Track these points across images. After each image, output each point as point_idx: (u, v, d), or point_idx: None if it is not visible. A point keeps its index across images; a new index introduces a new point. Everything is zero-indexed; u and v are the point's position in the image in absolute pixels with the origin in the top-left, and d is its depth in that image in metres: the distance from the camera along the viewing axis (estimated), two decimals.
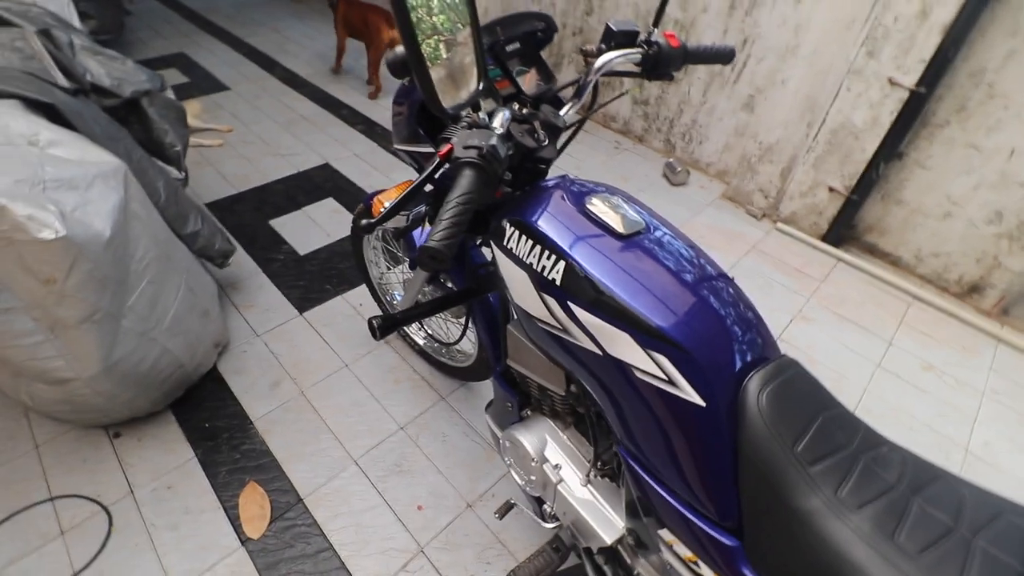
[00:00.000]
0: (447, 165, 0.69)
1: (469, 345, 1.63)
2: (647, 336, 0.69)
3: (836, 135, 2.29)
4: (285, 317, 1.98)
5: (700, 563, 0.73)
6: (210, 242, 1.78)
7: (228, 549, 1.36)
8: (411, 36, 0.55)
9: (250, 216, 2.43)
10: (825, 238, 2.52)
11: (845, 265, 2.47)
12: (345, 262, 2.23)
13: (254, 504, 1.45)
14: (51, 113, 1.22)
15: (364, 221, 0.70)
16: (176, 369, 1.52)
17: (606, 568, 1.00)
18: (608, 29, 0.91)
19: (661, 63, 0.93)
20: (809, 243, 2.55)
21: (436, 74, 0.59)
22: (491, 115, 0.74)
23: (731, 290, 0.77)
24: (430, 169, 0.68)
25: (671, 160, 2.96)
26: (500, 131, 0.70)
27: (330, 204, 2.55)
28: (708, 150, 2.95)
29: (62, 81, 1.32)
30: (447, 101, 0.60)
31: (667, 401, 0.70)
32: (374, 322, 0.97)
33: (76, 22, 1.65)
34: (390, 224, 1.14)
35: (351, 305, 2.05)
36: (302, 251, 2.27)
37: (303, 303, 2.04)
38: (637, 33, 0.92)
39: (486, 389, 1.78)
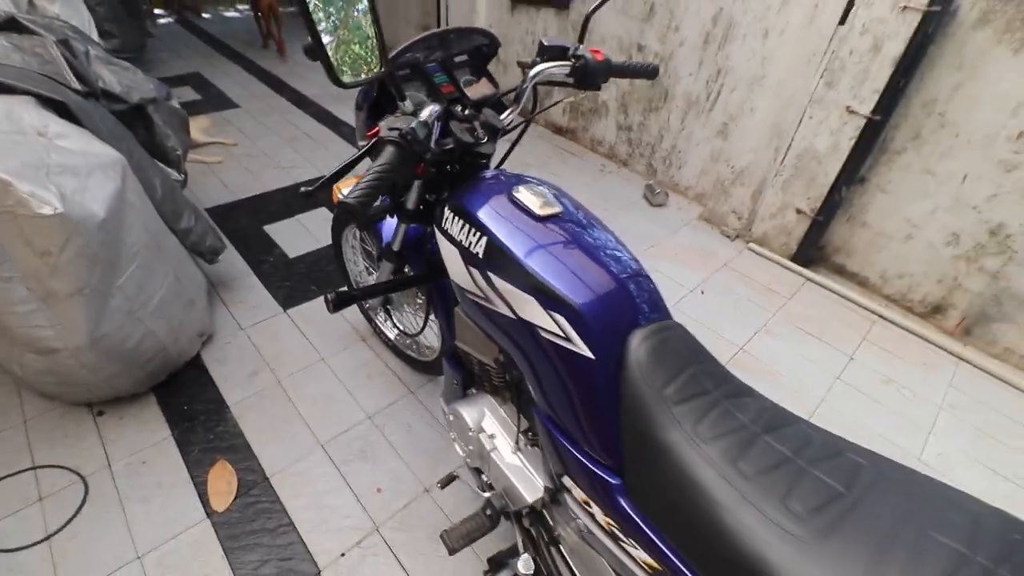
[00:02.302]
0: (374, 145, 0.81)
1: (434, 339, 1.72)
2: (548, 299, 0.80)
3: (801, 160, 2.42)
4: (269, 313, 2.09)
5: (591, 503, 0.81)
6: (202, 239, 1.91)
7: (193, 520, 1.44)
8: (312, 26, 0.68)
9: (246, 221, 2.58)
10: (795, 258, 2.62)
11: (813, 284, 2.56)
12: (331, 265, 2.35)
13: (222, 480, 1.53)
14: (62, 110, 1.37)
15: (304, 189, 0.82)
16: (159, 351, 1.63)
17: (531, 530, 1.07)
18: (541, 44, 1.05)
19: (588, 74, 1.06)
20: (779, 262, 2.64)
21: (343, 56, 0.73)
22: (420, 109, 0.87)
23: (632, 265, 0.87)
24: (366, 147, 0.81)
25: (651, 183, 3.09)
26: (423, 119, 0.82)
27: (322, 213, 2.70)
28: (687, 174, 3.09)
29: (74, 84, 1.48)
30: (348, 78, 0.73)
31: (563, 355, 0.79)
32: (328, 296, 1.08)
33: (95, 35, 1.83)
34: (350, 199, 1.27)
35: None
36: (292, 254, 2.40)
37: (288, 301, 2.15)
38: (567, 48, 1.05)
39: None
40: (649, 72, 1.15)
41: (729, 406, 0.73)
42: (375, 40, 0.74)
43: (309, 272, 2.31)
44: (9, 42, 1.42)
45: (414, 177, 1.00)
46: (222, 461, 1.58)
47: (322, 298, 2.17)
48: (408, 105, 0.88)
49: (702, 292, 2.41)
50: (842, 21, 2.11)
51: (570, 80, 1.08)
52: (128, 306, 1.46)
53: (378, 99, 1.07)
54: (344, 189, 1.28)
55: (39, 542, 1.36)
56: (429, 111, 0.85)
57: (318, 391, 1.81)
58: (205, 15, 5.47)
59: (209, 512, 1.45)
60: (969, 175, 2.08)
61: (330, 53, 0.70)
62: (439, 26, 4.20)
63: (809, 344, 2.23)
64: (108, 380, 1.54)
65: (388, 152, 0.75)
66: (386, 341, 1.93)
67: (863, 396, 2.02)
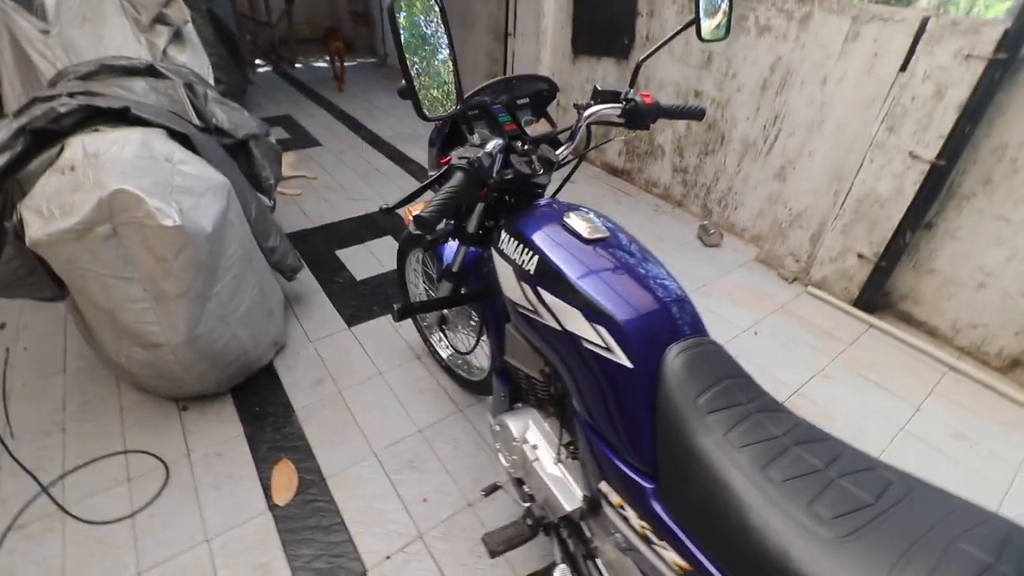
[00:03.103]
0: (445, 172, 0.94)
1: (484, 359, 1.81)
2: (591, 311, 0.87)
3: (862, 204, 2.38)
4: (335, 329, 2.27)
5: (626, 506, 0.85)
6: (284, 258, 2.13)
7: (257, 511, 1.56)
8: (406, 68, 0.82)
9: (320, 245, 2.82)
10: (856, 303, 2.54)
11: (877, 331, 2.46)
12: (393, 289, 2.52)
13: (284, 477, 1.66)
14: (185, 142, 1.62)
15: (383, 205, 0.95)
16: (241, 355, 1.81)
17: (569, 541, 1.11)
18: (595, 89, 1.16)
19: (638, 115, 1.16)
20: (840, 307, 2.57)
21: (427, 95, 0.86)
22: (485, 143, 1.00)
23: (675, 289, 0.94)
24: (439, 172, 0.94)
25: (705, 223, 3.11)
26: (488, 151, 0.95)
27: (388, 241, 2.91)
28: (743, 216, 3.09)
29: (195, 120, 1.74)
30: (429, 112, 0.87)
31: (604, 364, 0.86)
32: (396, 305, 1.20)
33: (211, 80, 2.14)
34: (414, 228, 1.40)
35: (392, 325, 2.31)
36: (359, 277, 2.60)
37: (352, 319, 2.32)
38: (619, 93, 1.16)
39: None
40: (696, 114, 1.23)
41: (761, 418, 0.76)
42: (453, 84, 0.88)
43: (373, 294, 2.49)
44: (148, 85, 1.71)
45: (477, 200, 1.11)
46: (286, 460, 1.71)
47: (384, 318, 2.33)
48: (476, 139, 1.01)
49: (755, 333, 2.38)
50: (903, 68, 2.12)
51: (621, 120, 1.18)
52: (221, 311, 1.65)
53: (449, 135, 1.21)
54: (415, 211, 1.43)
55: (125, 518, 1.52)
56: (493, 144, 0.98)
57: (374, 402, 1.93)
58: (297, 65, 6.11)
59: (271, 505, 1.57)
60: None
61: (419, 93, 0.84)
62: (504, 72, 4.50)
63: (871, 392, 2.14)
64: (197, 377, 1.72)
65: (457, 177, 0.88)
66: (439, 360, 2.04)
67: (931, 449, 1.91)
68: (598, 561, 1.06)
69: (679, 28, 1.14)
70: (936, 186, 2.17)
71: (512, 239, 1.04)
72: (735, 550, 0.66)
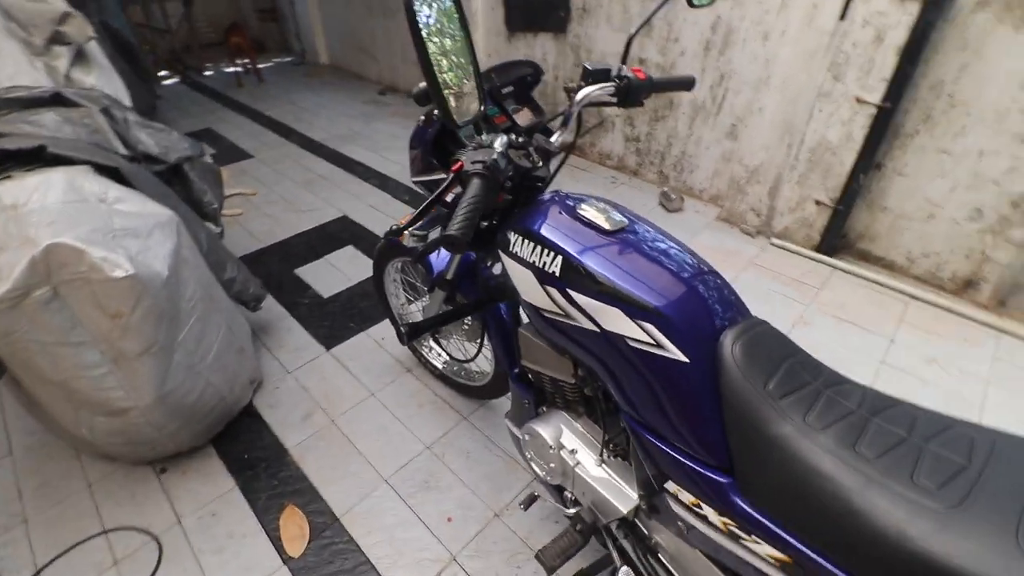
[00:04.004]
0: (456, 178, 0.85)
1: (486, 363, 1.74)
2: (635, 308, 0.82)
3: (815, 153, 2.46)
4: (313, 354, 2.12)
5: (702, 505, 0.81)
6: (245, 287, 1.95)
7: (271, 568, 1.44)
8: (432, 74, 0.72)
9: (276, 266, 2.62)
10: (819, 248, 2.64)
11: (842, 272, 2.57)
12: (365, 301, 2.38)
13: (293, 525, 1.54)
14: (115, 175, 1.42)
15: (394, 225, 0.85)
16: (218, 402, 1.65)
17: (625, 543, 1.07)
18: (585, 69, 1.09)
19: (632, 93, 1.10)
20: (804, 255, 2.66)
21: (453, 100, 0.76)
22: (492, 140, 0.91)
23: (704, 268, 0.90)
24: (448, 180, 0.85)
25: (666, 189, 3.14)
26: (500, 150, 0.86)
27: (349, 251, 2.74)
28: (700, 177, 3.14)
29: (122, 150, 1.53)
30: (459, 118, 0.76)
31: (657, 362, 0.81)
32: (402, 328, 1.10)
33: (127, 101, 1.90)
34: (412, 243, 1.31)
35: (374, 339, 2.18)
36: (325, 294, 2.44)
37: (329, 341, 2.18)
38: (609, 70, 1.10)
39: (503, 405, 1.88)
40: (687, 84, 1.19)
41: (831, 394, 0.74)
42: (475, 85, 0.78)
43: (345, 310, 2.34)
44: (59, 116, 1.48)
45: (494, 205, 1.03)
46: (291, 506, 1.58)
47: (363, 334, 2.20)
48: (485, 139, 0.92)
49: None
50: (842, 16, 2.18)
51: (614, 100, 1.12)
52: (189, 360, 1.48)
53: (437, 138, 1.11)
54: (397, 224, 1.32)
55: None
56: (501, 142, 0.89)
57: (373, 426, 1.82)
58: (207, 72, 5.63)
59: (285, 558, 1.45)
60: (985, 151, 2.12)
61: (447, 99, 0.74)
62: None
63: (848, 331, 2.24)
64: (171, 436, 1.55)
65: (476, 184, 0.79)
66: (433, 371, 1.95)
67: (911, 377, 2.02)
68: (660, 555, 1.03)
69: None
70: (883, 128, 2.26)
71: (525, 240, 0.96)
72: (842, 536, 0.64)
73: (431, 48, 0.71)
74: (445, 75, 0.72)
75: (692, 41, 2.79)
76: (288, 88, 5.21)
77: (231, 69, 5.46)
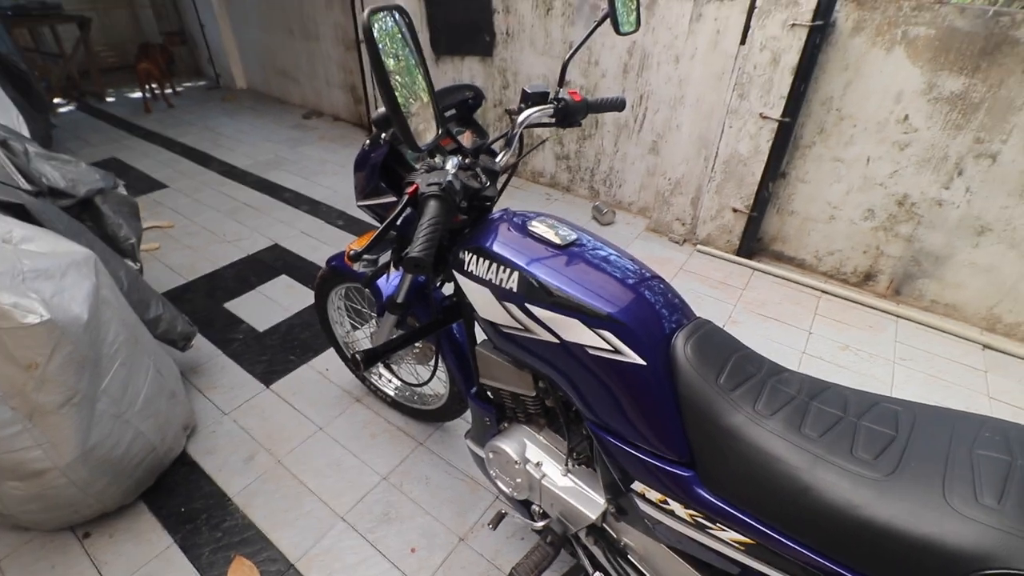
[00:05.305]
0: (411, 201, 0.85)
1: (440, 385, 1.73)
2: (592, 318, 0.86)
3: (729, 164, 2.67)
4: (252, 392, 2.00)
5: (669, 500, 0.85)
6: (172, 326, 1.82)
7: None
8: (392, 98, 0.73)
9: (203, 302, 2.46)
10: (739, 252, 2.85)
11: (761, 273, 2.79)
12: (306, 332, 2.29)
13: None
14: (20, 213, 1.29)
15: (352, 251, 0.84)
16: (148, 453, 1.51)
17: (595, 549, 1.10)
18: (524, 92, 1.14)
19: (569, 114, 1.16)
20: (727, 259, 2.87)
21: (412, 122, 0.77)
22: (444, 162, 0.92)
23: (649, 274, 0.96)
24: (403, 203, 0.85)
25: (597, 203, 3.28)
26: (453, 171, 0.88)
27: (284, 280, 2.63)
28: (627, 191, 3.30)
29: (24, 184, 1.40)
30: (420, 141, 0.77)
31: (616, 368, 0.85)
32: (358, 355, 1.08)
33: (25, 132, 1.74)
34: (361, 268, 1.28)
35: (317, 371, 2.10)
36: (261, 328, 2.31)
37: (268, 376, 2.07)
38: (547, 93, 1.15)
39: (459, 427, 1.86)
40: (618, 105, 1.27)
41: (775, 383, 0.81)
42: (432, 107, 0.79)
43: (283, 343, 2.24)
44: None
45: (450, 226, 1.03)
46: (238, 557, 1.47)
47: (304, 366, 2.10)
48: (438, 160, 0.93)
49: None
50: (743, 41, 2.40)
51: (553, 121, 1.18)
52: (115, 409, 1.36)
53: (386, 162, 1.11)
54: (359, 246, 1.29)
55: None
56: (453, 163, 0.91)
57: (324, 462, 1.74)
58: (109, 99, 5.24)
59: None
60: (871, 157, 2.40)
61: (408, 122, 0.73)
62: (364, 84, 4.29)
63: (771, 327, 2.43)
64: (97, 495, 1.41)
65: (433, 207, 0.80)
66: (384, 398, 1.90)
67: (829, 364, 2.22)
68: (630, 556, 1.06)
69: (596, 23, 1.15)
70: (785, 140, 2.50)
71: (480, 258, 0.98)
72: (797, 512, 0.70)
73: (389, 66, 0.72)
74: (404, 99, 0.73)
75: (612, 64, 2.96)
76: (203, 114, 4.95)
77: (137, 94, 5.11)
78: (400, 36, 0.76)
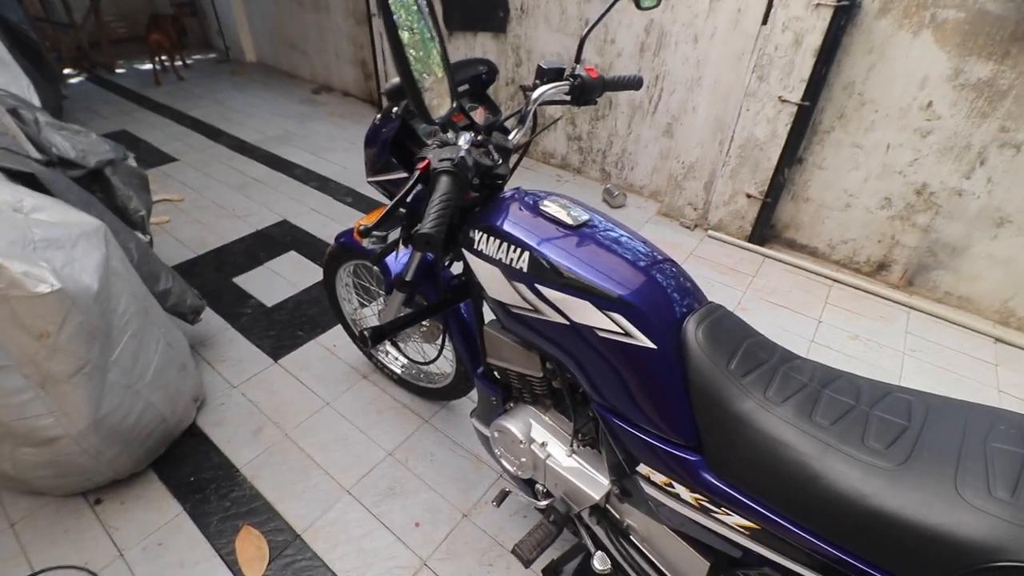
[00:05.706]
0: (423, 177, 0.84)
1: (446, 364, 1.73)
2: (603, 300, 0.85)
3: (744, 149, 2.62)
4: (260, 367, 2.01)
5: (674, 483, 0.85)
6: (181, 299, 1.83)
7: None
8: (407, 71, 0.71)
9: (212, 276, 2.47)
10: (751, 239, 2.81)
11: (772, 260, 2.76)
12: (314, 308, 2.30)
13: (251, 547, 1.46)
14: (30, 182, 1.29)
15: (362, 226, 0.83)
16: (159, 424, 1.54)
17: (597, 529, 1.10)
18: (540, 68, 1.11)
19: (585, 91, 1.13)
20: (738, 245, 2.83)
21: (427, 95, 0.75)
22: (456, 137, 0.91)
23: (662, 257, 0.94)
24: (414, 179, 0.84)
25: (608, 186, 3.24)
26: (466, 147, 0.86)
27: (292, 257, 2.63)
28: (640, 174, 3.26)
29: (35, 154, 1.40)
30: (433, 114, 0.76)
31: (626, 351, 0.84)
32: (365, 333, 1.08)
33: (36, 102, 1.73)
34: (370, 245, 1.27)
35: (325, 347, 2.11)
36: (269, 303, 2.32)
37: (277, 351, 2.08)
38: (563, 69, 1.12)
39: (465, 405, 1.87)
40: (635, 83, 1.24)
41: (786, 370, 0.80)
42: (447, 79, 0.77)
43: (291, 318, 2.25)
44: None
45: (462, 203, 1.02)
46: (246, 527, 1.50)
47: (312, 342, 2.12)
48: (450, 136, 0.92)
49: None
50: (764, 21, 2.33)
51: (568, 98, 1.15)
52: (126, 380, 1.37)
53: (397, 137, 1.09)
54: (364, 225, 1.28)
55: None
56: (466, 139, 0.89)
57: (331, 436, 1.76)
58: (119, 70, 5.21)
59: None
60: (891, 144, 2.34)
61: (422, 94, 0.72)
62: (374, 60, 4.23)
63: (780, 314, 2.40)
64: (109, 463, 1.43)
65: (445, 182, 0.78)
66: (391, 375, 1.91)
67: (838, 353, 2.20)
68: (632, 537, 1.07)
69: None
70: (803, 125, 2.44)
71: (490, 238, 0.97)
72: (806, 500, 0.69)
73: (404, 43, 0.70)
74: (418, 71, 0.71)
75: (628, 43, 2.89)
76: (213, 87, 4.92)
77: (147, 66, 5.08)
78: (416, 8, 0.74)
